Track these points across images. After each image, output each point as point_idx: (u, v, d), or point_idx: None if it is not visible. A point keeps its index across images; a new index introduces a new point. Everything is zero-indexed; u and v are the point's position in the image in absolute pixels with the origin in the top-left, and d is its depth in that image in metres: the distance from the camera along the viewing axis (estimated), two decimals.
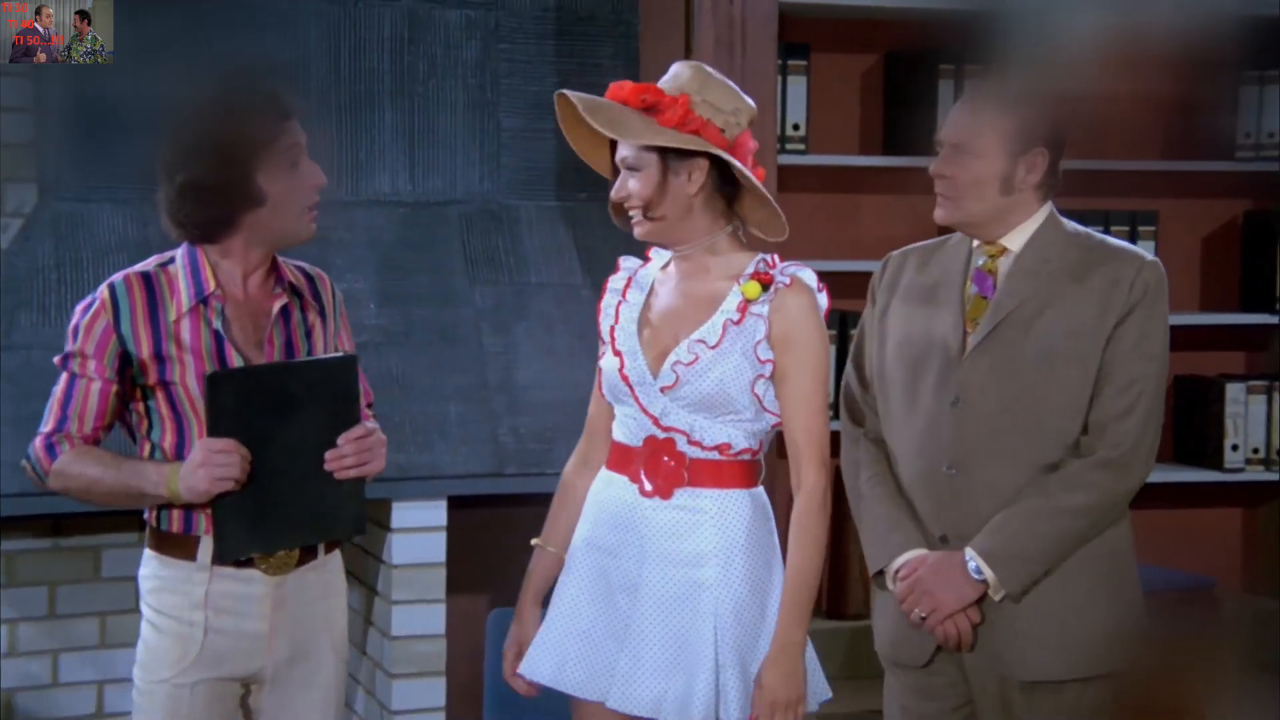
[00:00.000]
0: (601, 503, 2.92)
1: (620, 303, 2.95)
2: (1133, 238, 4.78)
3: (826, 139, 4.68)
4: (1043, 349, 2.96)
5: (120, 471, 2.82)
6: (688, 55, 4.35)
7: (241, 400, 2.76)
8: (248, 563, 2.86)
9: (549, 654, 2.91)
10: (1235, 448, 4.82)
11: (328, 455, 2.82)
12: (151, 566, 2.91)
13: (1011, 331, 2.97)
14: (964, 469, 2.97)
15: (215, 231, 2.85)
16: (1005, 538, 2.93)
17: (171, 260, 2.89)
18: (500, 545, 3.16)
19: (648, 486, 2.85)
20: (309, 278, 3.01)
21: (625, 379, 2.87)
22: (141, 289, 2.84)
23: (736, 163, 2.84)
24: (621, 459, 2.90)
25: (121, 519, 4.26)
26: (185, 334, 2.83)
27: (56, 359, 2.87)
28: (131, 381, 2.84)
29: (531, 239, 4.54)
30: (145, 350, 2.82)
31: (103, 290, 2.85)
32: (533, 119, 4.53)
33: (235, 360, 2.83)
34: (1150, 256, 3.03)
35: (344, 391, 2.83)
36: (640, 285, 2.95)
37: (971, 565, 2.93)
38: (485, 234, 4.51)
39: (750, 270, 2.87)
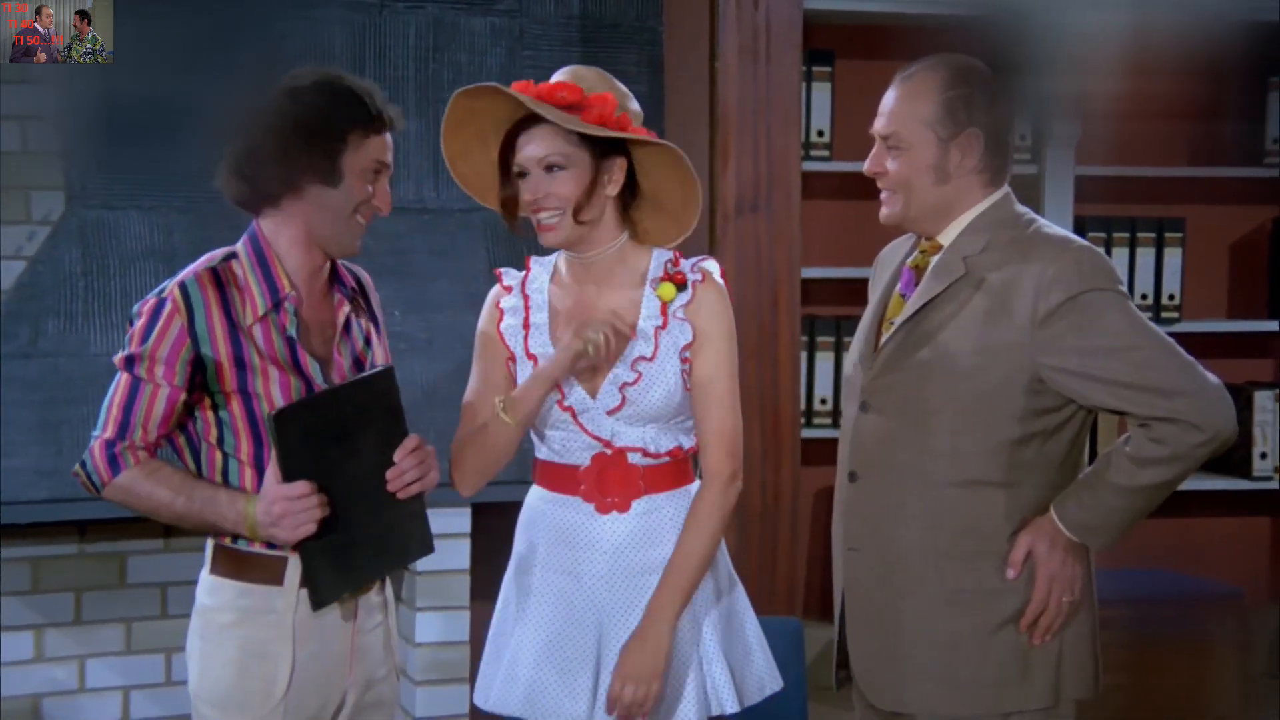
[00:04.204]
0: (551, 525, 2.81)
1: (527, 322, 2.81)
2: (1160, 244, 4.76)
3: (851, 145, 4.66)
4: (938, 356, 2.72)
5: (192, 500, 2.62)
6: (712, 62, 4.36)
7: (308, 435, 2.57)
8: None
9: (519, 684, 2.78)
10: (1264, 456, 4.80)
11: (389, 475, 2.66)
12: (225, 595, 2.68)
13: (917, 334, 2.75)
14: (858, 480, 2.80)
15: (278, 194, 2.66)
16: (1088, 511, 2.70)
17: (233, 255, 2.70)
18: None
19: (606, 502, 2.77)
20: (357, 279, 2.85)
21: (569, 410, 2.76)
22: (213, 286, 2.64)
23: (678, 148, 2.74)
24: (563, 479, 2.79)
25: (147, 525, 4.28)
26: (259, 339, 2.65)
27: (117, 359, 2.67)
28: (203, 389, 2.64)
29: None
30: (223, 353, 2.62)
31: (172, 289, 2.64)
32: None
33: (311, 368, 2.67)
34: (1079, 243, 2.74)
35: (389, 406, 2.67)
36: (537, 302, 2.83)
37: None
38: (509, 241, 4.50)
39: (659, 272, 2.79)
